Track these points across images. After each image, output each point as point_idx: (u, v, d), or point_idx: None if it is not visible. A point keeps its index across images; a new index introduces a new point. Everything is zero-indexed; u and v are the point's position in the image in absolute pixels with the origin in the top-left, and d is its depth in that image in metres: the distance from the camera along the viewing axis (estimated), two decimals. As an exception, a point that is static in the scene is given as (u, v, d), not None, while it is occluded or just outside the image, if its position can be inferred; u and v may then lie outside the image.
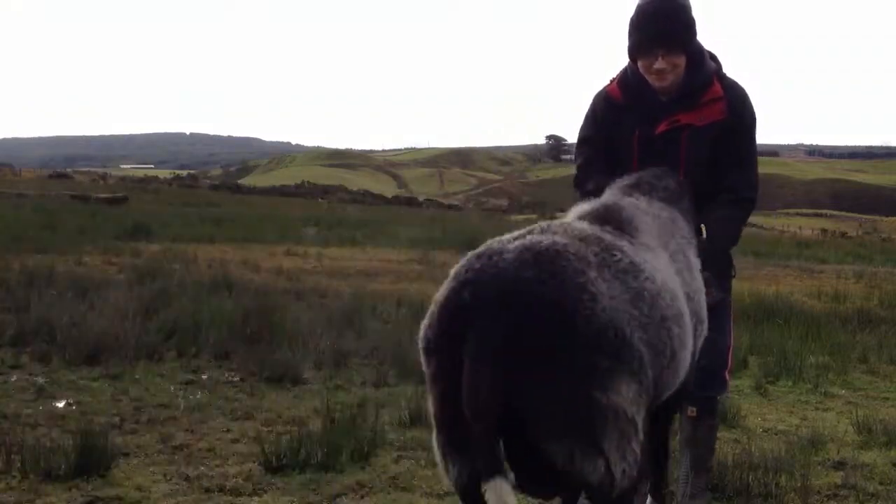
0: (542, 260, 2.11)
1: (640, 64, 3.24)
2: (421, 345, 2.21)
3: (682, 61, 3.20)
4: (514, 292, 2.05)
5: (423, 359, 2.22)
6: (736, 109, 3.27)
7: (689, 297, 2.60)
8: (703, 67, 3.26)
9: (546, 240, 2.20)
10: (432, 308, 2.21)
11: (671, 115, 3.23)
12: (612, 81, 3.42)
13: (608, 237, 2.37)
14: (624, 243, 2.38)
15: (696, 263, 2.83)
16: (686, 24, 3.20)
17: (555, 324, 2.03)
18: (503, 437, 2.04)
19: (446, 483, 2.30)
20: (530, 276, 2.07)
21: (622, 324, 2.12)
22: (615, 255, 2.27)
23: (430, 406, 2.25)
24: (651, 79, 3.23)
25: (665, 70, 3.19)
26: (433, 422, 2.23)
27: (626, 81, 3.32)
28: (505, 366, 1.99)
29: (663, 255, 2.58)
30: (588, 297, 2.07)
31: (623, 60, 3.45)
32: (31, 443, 3.71)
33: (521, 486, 2.25)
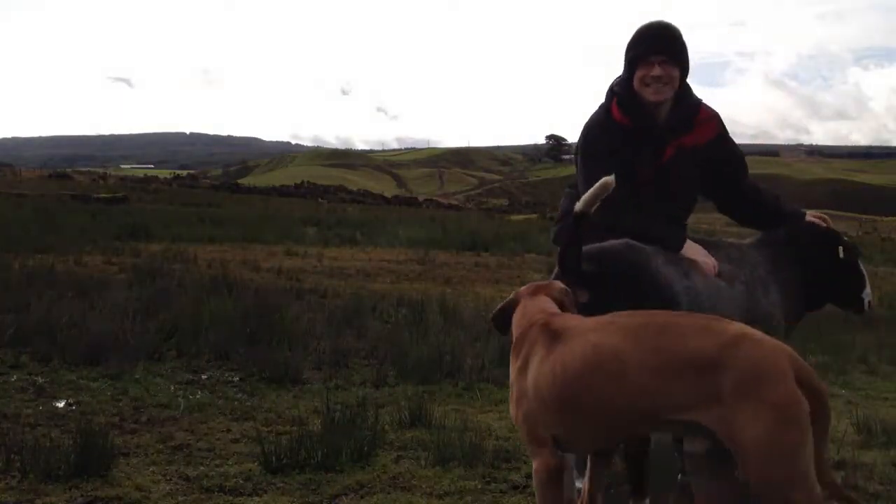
0: (630, 244, 3.19)
1: (637, 76, 3.42)
2: None
3: (676, 74, 3.42)
4: (612, 253, 3.14)
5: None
6: (721, 124, 3.57)
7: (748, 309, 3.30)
8: (691, 92, 3.51)
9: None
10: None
11: (676, 140, 3.44)
12: (606, 111, 3.48)
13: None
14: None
15: (769, 293, 3.43)
16: (682, 42, 3.45)
17: (631, 270, 3.09)
18: None
19: None
20: (624, 248, 3.17)
21: (672, 282, 3.11)
22: (674, 256, 3.26)
23: None
24: (647, 92, 3.40)
25: (662, 78, 3.37)
26: None
27: (628, 110, 3.43)
28: (598, 288, 3.01)
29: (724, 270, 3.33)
30: (653, 264, 3.16)
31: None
32: (30, 443, 3.69)
33: None
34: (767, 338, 2.30)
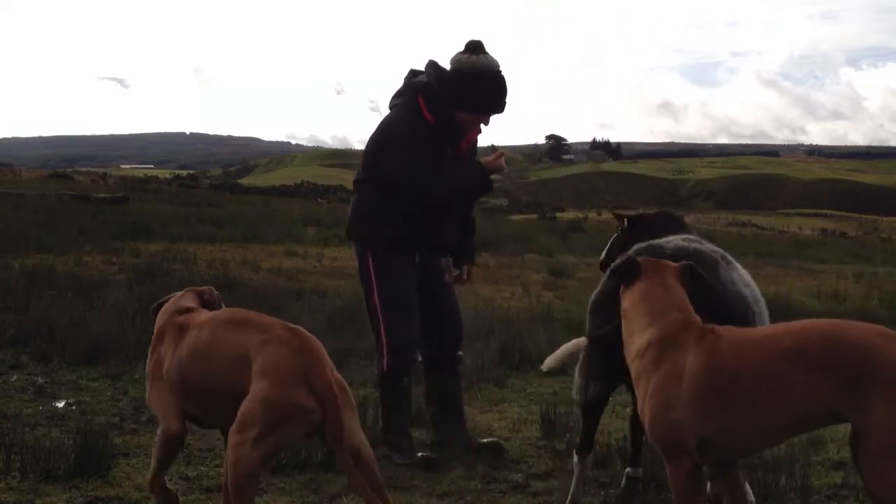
0: (690, 255, 3.02)
1: (465, 117, 3.96)
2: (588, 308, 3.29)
3: None
4: (669, 254, 3.01)
5: (588, 318, 3.28)
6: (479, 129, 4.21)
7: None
8: None
9: (691, 245, 3.18)
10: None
11: (467, 136, 4.09)
12: (415, 111, 3.97)
13: (719, 250, 3.31)
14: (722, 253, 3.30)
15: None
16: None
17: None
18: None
19: (577, 402, 3.37)
20: (680, 248, 3.11)
21: (747, 300, 3.07)
22: (727, 259, 3.21)
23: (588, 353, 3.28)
24: (466, 126, 4.00)
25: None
26: (587, 364, 3.28)
27: (436, 111, 3.96)
28: None
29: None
30: (727, 281, 3.05)
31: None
32: (31, 443, 3.70)
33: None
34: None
